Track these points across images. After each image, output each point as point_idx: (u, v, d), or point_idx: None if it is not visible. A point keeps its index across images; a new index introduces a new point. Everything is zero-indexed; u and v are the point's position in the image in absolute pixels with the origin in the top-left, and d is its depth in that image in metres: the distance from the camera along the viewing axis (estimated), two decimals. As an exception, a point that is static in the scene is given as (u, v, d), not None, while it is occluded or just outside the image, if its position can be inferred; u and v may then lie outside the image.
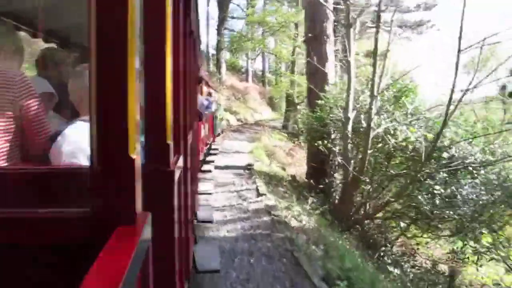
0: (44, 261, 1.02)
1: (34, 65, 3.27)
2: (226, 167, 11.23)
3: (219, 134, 18.28)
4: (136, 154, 0.99)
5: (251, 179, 10.07)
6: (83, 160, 1.64)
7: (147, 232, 1.03)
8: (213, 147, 13.98)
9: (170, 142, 1.50)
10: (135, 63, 0.97)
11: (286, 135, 22.41)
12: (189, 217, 3.02)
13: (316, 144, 10.39)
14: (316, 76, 11.58)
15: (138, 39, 1.41)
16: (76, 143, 1.70)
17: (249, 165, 11.59)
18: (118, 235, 0.95)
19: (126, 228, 0.97)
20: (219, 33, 28.70)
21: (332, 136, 10.77)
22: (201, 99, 7.84)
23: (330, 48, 11.91)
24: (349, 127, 9.43)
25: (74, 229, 1.02)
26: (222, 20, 29.01)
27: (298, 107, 22.03)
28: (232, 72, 34.49)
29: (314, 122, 11.13)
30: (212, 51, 31.90)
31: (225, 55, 30.57)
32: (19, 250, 1.01)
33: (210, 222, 5.62)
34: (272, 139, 19.78)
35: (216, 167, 11.04)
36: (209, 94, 12.20)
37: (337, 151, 10.36)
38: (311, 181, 11.07)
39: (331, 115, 10.69)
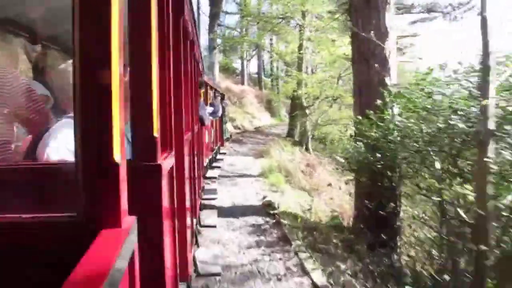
0: (31, 264, 1.03)
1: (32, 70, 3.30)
2: (232, 212, 6.91)
3: (228, 139, 18.08)
4: (121, 158, 0.99)
5: (282, 244, 5.46)
6: (70, 156, 1.65)
7: (132, 234, 1.04)
8: (214, 163, 11.71)
9: (157, 135, 1.51)
10: (119, 68, 0.98)
11: (296, 145, 19.14)
12: (187, 218, 3.02)
13: (368, 178, 6.40)
14: (370, 63, 7.12)
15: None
16: (62, 139, 1.73)
17: (268, 203, 7.38)
18: (103, 238, 0.96)
19: (111, 231, 0.98)
20: (211, 30, 23.86)
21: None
22: (203, 104, 7.84)
23: (390, 18, 7.44)
24: (491, 150, 4.13)
25: (61, 233, 1.03)
26: (214, 16, 24.28)
27: (307, 111, 19.49)
28: (225, 75, 31.61)
29: (373, 140, 6.13)
30: (203, 52, 29.58)
31: (218, 56, 26.33)
32: (5, 254, 1.02)
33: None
34: (284, 152, 15.67)
35: (219, 213, 6.69)
36: (215, 98, 12.16)
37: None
38: (362, 227, 6.69)
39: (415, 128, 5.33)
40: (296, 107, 21.18)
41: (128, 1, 1.45)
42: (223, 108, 14.73)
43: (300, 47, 20.02)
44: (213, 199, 7.29)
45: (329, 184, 12.58)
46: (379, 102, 6.14)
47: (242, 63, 33.92)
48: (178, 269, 2.23)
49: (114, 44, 0.95)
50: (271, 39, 29.96)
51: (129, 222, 1.04)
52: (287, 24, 22.12)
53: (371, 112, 6.10)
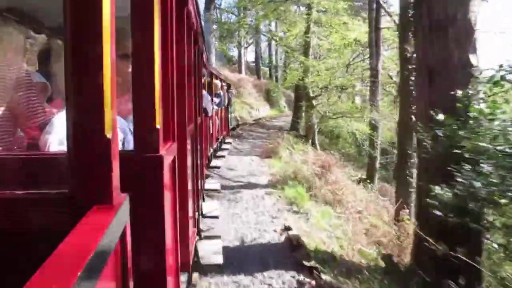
0: (22, 240, 1.04)
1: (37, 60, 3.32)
2: (241, 263, 4.48)
3: (234, 128, 18.12)
4: (113, 134, 1.00)
5: None
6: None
7: (123, 212, 1.04)
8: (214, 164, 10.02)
9: (159, 126, 1.51)
10: (110, 46, 0.98)
11: (301, 140, 16.81)
12: (189, 208, 3.03)
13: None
14: (449, 33, 4.83)
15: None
16: (63, 131, 1.73)
17: (295, 241, 5.10)
18: (93, 214, 0.97)
19: (102, 207, 0.99)
20: (206, 13, 21.09)
21: None
22: (207, 95, 7.83)
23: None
24: None
25: (52, 209, 1.04)
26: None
27: (314, 102, 17.73)
28: (221, 62, 29.60)
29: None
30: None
31: (214, 42, 23.57)
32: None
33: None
34: (294, 151, 13.33)
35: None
36: (221, 87, 12.17)
37: None
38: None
39: None
40: (301, 98, 19.54)
41: None
42: (229, 98, 14.79)
43: (307, 30, 17.65)
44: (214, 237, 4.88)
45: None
46: (460, 92, 4.13)
47: (240, 50, 31.58)
48: (180, 258, 2.24)
49: (105, 22, 0.95)
50: (269, 25, 28.12)
51: (121, 199, 1.04)
52: (293, 2, 19.53)
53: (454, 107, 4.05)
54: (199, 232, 4.77)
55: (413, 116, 8.48)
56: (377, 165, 15.85)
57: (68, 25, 0.95)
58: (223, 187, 7.89)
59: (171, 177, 1.88)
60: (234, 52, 35.06)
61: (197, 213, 4.46)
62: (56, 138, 1.69)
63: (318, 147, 17.44)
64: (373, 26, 16.16)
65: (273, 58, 37.41)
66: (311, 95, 17.96)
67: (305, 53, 18.06)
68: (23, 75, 1.95)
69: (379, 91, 16.83)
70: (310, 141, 17.41)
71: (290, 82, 20.63)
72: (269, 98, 29.96)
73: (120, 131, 1.86)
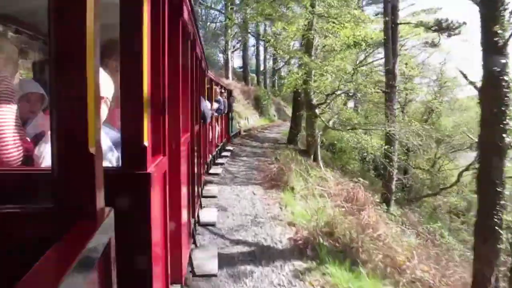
0: (7, 252, 1.03)
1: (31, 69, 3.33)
2: None
3: (235, 135, 17.70)
4: (97, 150, 1.00)
5: None
6: None
7: (107, 226, 1.04)
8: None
9: (147, 143, 1.50)
10: (94, 60, 0.98)
11: (302, 155, 14.17)
12: (183, 219, 3.02)
13: None
14: None
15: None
16: None
17: None
18: (76, 229, 0.96)
19: (85, 222, 0.98)
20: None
21: None
22: (205, 103, 7.82)
23: None
24: None
25: (36, 223, 1.03)
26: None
27: (317, 110, 15.11)
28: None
29: None
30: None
31: None
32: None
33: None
34: (311, 178, 9.97)
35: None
36: (221, 94, 12.15)
37: None
38: None
39: None
40: (301, 106, 17.03)
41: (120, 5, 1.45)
42: (229, 105, 14.50)
43: (310, 26, 14.88)
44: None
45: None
46: None
47: (226, 54, 29.09)
48: (170, 270, 2.22)
49: (89, 39, 0.95)
50: (258, 24, 25.62)
51: (105, 214, 1.04)
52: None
53: None
54: (194, 241, 4.75)
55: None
56: (393, 186, 14.02)
57: (51, 40, 0.95)
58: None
59: (160, 191, 1.86)
60: (219, 57, 33.56)
61: (193, 220, 4.44)
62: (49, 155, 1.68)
63: (321, 164, 14.71)
64: (389, 22, 14.11)
65: (261, 63, 36.64)
66: (314, 102, 15.37)
67: (307, 53, 15.27)
68: (6, 86, 1.93)
69: (395, 97, 14.88)
70: (312, 156, 15.24)
71: (289, 87, 16.91)
72: (258, 106, 28.35)
73: (115, 147, 1.85)
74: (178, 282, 2.78)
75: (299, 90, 16.02)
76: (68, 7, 0.95)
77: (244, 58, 32.71)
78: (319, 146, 15.81)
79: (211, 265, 4.27)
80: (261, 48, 32.35)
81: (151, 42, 1.58)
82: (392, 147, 13.91)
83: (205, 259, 4.37)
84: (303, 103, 16.87)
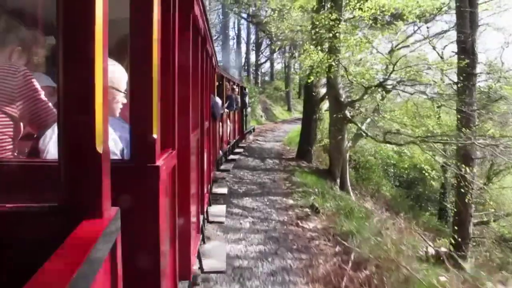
0: (13, 252, 1.03)
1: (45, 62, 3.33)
2: None
3: (250, 132, 17.36)
4: (104, 148, 0.99)
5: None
6: None
7: (114, 225, 1.03)
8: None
9: (156, 136, 1.49)
10: (103, 56, 0.97)
11: (324, 178, 10.29)
12: (191, 215, 3.02)
13: None
14: None
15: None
16: None
17: None
18: (82, 228, 0.95)
19: (92, 221, 0.97)
20: None
21: None
22: (216, 99, 7.80)
23: None
24: None
25: (42, 221, 1.03)
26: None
27: (348, 112, 10.45)
28: None
29: None
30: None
31: None
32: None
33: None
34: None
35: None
36: (232, 90, 12.15)
37: None
38: None
39: None
40: (315, 105, 12.71)
41: None
42: (243, 101, 14.16)
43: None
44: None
45: None
46: None
47: None
48: (178, 266, 2.22)
49: (98, 35, 0.94)
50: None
51: (112, 212, 1.03)
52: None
53: None
54: (203, 237, 4.76)
55: None
56: (471, 227, 9.23)
57: (59, 35, 0.94)
58: None
59: (169, 186, 1.85)
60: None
61: (202, 217, 4.44)
62: (53, 146, 1.68)
63: (351, 191, 10.79)
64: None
65: (243, 58, 33.88)
66: (342, 99, 10.46)
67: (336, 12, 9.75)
68: (26, 76, 1.94)
69: (475, 92, 9.59)
70: (337, 179, 10.76)
71: (310, 73, 10.92)
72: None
73: (123, 140, 1.84)
74: (187, 279, 2.78)
75: (313, 83, 11.56)
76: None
77: (225, 49, 30.86)
78: (348, 166, 11.13)
79: (220, 262, 4.28)
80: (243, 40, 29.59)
81: (161, 37, 1.57)
82: (470, 168, 8.80)
83: (214, 256, 4.38)
84: (317, 100, 12.74)
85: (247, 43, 35.03)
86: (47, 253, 0.84)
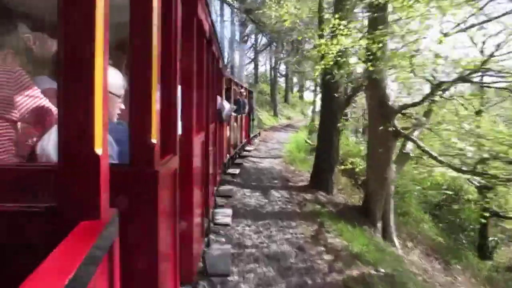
0: (10, 252, 1.03)
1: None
2: None
3: (256, 136, 17.61)
4: (103, 150, 0.99)
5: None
6: None
7: (111, 227, 1.03)
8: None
9: (155, 140, 1.49)
10: (103, 60, 0.97)
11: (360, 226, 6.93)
12: (194, 219, 3.02)
13: None
14: None
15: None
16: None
17: None
18: (79, 229, 0.95)
19: (89, 223, 0.97)
20: None
21: None
22: (222, 102, 7.79)
23: None
24: None
25: (39, 222, 1.03)
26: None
27: (399, 122, 7.74)
28: None
29: None
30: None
31: None
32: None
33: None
34: None
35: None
36: (240, 94, 12.18)
37: None
38: None
39: None
40: (337, 110, 9.18)
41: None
42: (250, 105, 14.32)
43: None
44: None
45: None
46: None
47: None
48: (180, 270, 2.21)
49: (98, 38, 0.94)
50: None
51: (109, 214, 1.03)
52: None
53: None
54: (208, 241, 4.75)
55: None
56: None
57: (60, 38, 0.95)
58: None
59: (169, 189, 1.85)
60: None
61: (206, 220, 4.43)
62: (53, 148, 1.68)
63: (396, 240, 7.80)
64: None
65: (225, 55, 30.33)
66: (393, 103, 7.39)
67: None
68: (22, 77, 1.94)
69: None
70: (377, 223, 7.72)
71: (336, 64, 7.91)
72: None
73: (122, 142, 1.84)
74: (188, 283, 2.77)
75: (334, 79, 8.10)
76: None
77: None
78: (392, 203, 7.87)
79: (224, 265, 4.27)
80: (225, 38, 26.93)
81: (162, 40, 1.57)
82: None
83: (218, 259, 4.37)
84: (342, 104, 9.32)
85: (231, 41, 31.82)
86: (45, 254, 0.84)
